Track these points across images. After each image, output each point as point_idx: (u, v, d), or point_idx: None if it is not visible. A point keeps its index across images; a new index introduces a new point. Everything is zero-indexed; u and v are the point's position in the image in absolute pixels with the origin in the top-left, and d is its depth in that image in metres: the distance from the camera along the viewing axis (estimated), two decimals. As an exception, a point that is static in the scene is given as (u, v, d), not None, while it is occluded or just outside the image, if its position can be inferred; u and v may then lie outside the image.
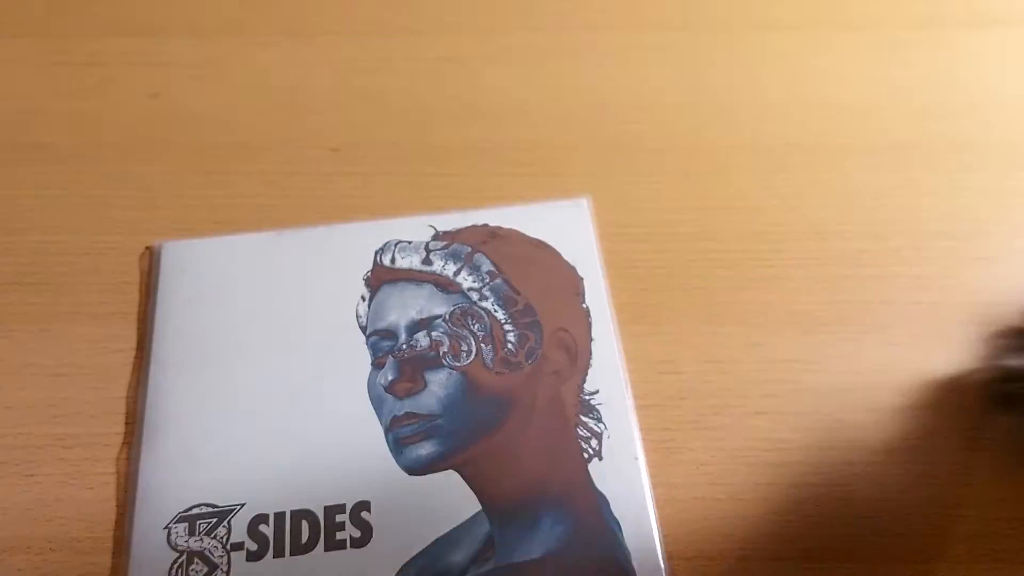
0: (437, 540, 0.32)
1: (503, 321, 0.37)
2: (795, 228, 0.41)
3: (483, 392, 0.35)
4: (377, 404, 0.35)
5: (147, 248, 0.40)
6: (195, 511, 0.33)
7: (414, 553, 0.32)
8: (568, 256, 0.39)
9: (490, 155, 0.43)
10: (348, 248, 0.39)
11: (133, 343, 0.38)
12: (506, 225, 0.40)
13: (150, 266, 0.40)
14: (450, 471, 0.34)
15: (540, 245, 0.39)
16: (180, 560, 0.32)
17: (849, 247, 0.40)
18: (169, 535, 0.33)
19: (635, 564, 0.32)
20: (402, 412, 0.35)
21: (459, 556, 0.32)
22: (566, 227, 0.40)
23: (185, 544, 0.32)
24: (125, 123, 0.45)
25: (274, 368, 0.36)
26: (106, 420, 0.36)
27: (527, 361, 0.36)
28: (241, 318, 0.37)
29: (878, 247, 0.40)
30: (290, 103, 0.45)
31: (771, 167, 0.43)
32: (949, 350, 0.37)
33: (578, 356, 0.36)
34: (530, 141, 0.44)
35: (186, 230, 0.41)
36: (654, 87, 0.46)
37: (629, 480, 0.33)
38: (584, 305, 0.37)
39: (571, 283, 0.38)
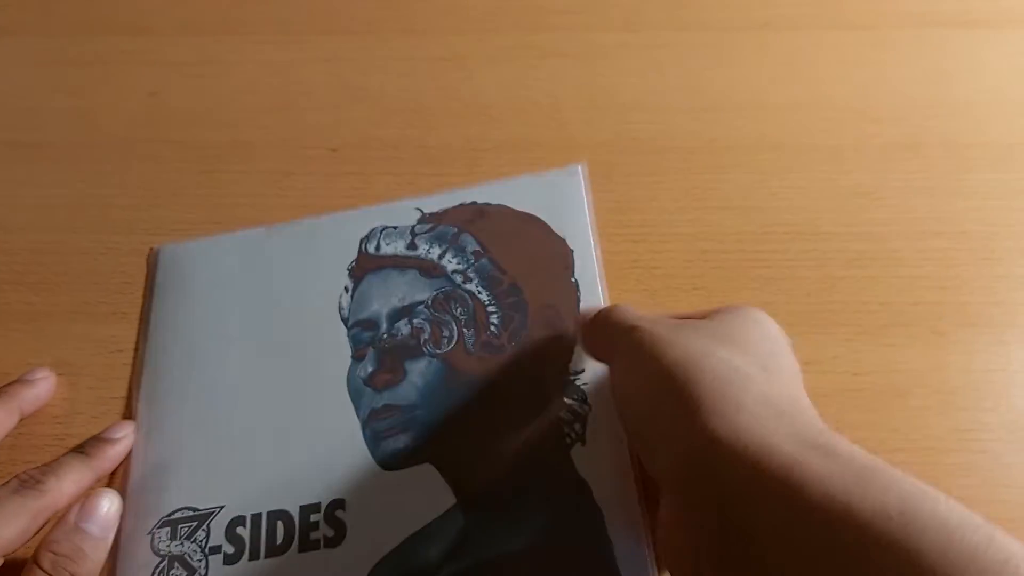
0: (410, 537, 0.31)
1: (487, 303, 0.36)
2: (795, 228, 0.41)
3: (463, 378, 0.34)
4: (356, 398, 0.34)
5: (150, 249, 0.40)
6: (177, 515, 0.33)
7: (387, 551, 0.31)
8: (558, 228, 0.37)
9: (490, 155, 0.43)
10: (335, 239, 0.39)
11: (133, 343, 0.38)
12: (495, 201, 0.39)
13: (148, 270, 0.40)
14: (426, 464, 0.33)
15: (529, 219, 0.38)
16: (162, 565, 0.32)
17: (848, 247, 0.40)
18: (152, 540, 0.32)
19: (617, 554, 0.30)
20: (380, 405, 0.34)
21: (433, 552, 0.31)
22: (558, 198, 0.38)
23: (167, 549, 0.32)
24: (124, 122, 0.45)
25: (259, 367, 0.36)
26: (106, 420, 0.36)
27: (510, 343, 0.35)
28: (229, 318, 0.37)
29: (877, 248, 0.40)
30: (290, 103, 0.45)
31: (771, 167, 0.43)
32: (948, 351, 0.37)
33: (564, 335, 0.35)
34: (530, 141, 0.44)
35: (186, 230, 0.41)
36: (654, 87, 0.46)
37: (614, 464, 0.32)
38: (573, 279, 0.36)
39: (560, 256, 0.37)
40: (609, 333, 0.30)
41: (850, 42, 0.47)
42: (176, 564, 0.32)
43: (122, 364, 0.37)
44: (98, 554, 0.30)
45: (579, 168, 0.39)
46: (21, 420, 0.35)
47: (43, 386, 0.36)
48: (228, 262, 0.39)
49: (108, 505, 0.31)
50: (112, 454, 0.34)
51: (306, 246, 0.39)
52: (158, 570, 0.32)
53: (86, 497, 0.31)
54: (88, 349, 0.38)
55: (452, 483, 0.32)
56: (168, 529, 0.32)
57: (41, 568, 0.29)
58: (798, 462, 0.21)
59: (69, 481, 0.32)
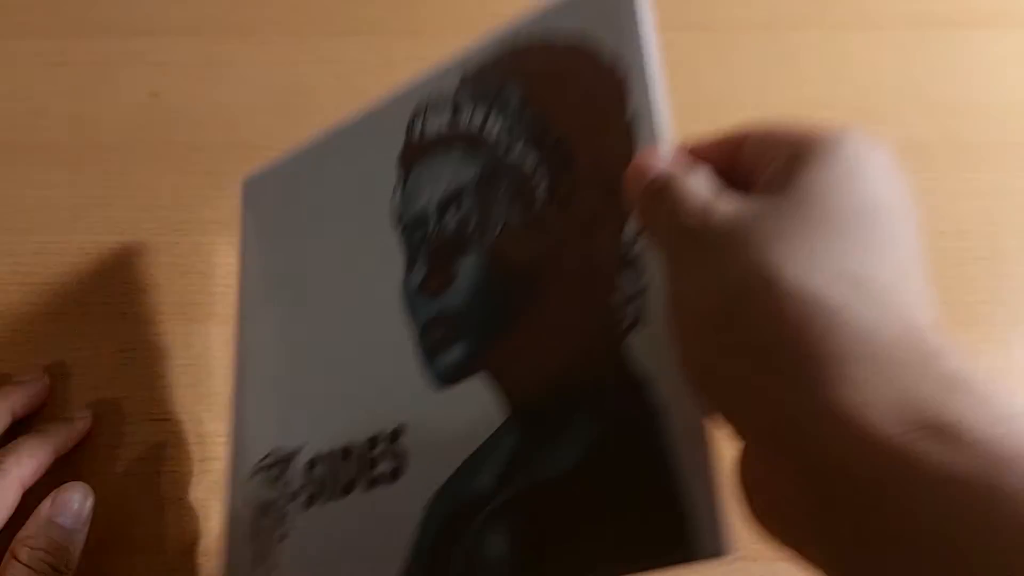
0: (464, 462, 0.27)
1: (532, 170, 0.30)
2: (795, 228, 0.41)
3: (512, 267, 0.29)
4: (411, 310, 0.31)
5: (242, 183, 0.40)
6: (267, 460, 0.32)
7: (444, 480, 0.28)
8: (609, 54, 0.29)
9: (490, 155, 0.43)
10: (385, 130, 0.34)
11: (134, 343, 0.38)
12: (538, 34, 0.31)
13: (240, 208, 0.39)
14: (483, 373, 0.28)
15: (575, 51, 0.30)
16: (255, 515, 0.31)
17: (849, 247, 0.40)
18: (248, 490, 0.32)
19: (676, 462, 0.23)
20: (434, 313, 0.30)
21: (485, 480, 0.27)
22: (607, 12, 0.29)
23: (259, 497, 0.31)
24: (125, 123, 0.45)
25: (329, 294, 0.33)
26: (108, 420, 0.36)
27: (559, 214, 0.28)
28: (305, 244, 0.35)
29: (878, 247, 0.40)
30: (291, 104, 0.45)
31: (771, 167, 0.43)
32: (949, 350, 0.37)
33: (617, 193, 0.27)
34: (530, 141, 0.44)
35: (188, 231, 0.41)
36: (654, 87, 0.46)
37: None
38: (627, 117, 0.28)
39: (611, 92, 0.28)
40: (663, 216, 0.23)
41: (850, 42, 0.47)
42: (266, 512, 0.31)
43: (123, 364, 0.37)
44: (75, 546, 0.31)
45: None
46: (14, 422, 0.34)
47: (34, 387, 0.36)
48: (295, 184, 0.36)
49: (80, 499, 0.32)
50: (69, 432, 0.34)
51: (360, 146, 0.35)
52: (253, 520, 0.31)
53: (56, 492, 0.32)
54: (90, 349, 0.38)
55: (506, 392, 0.28)
56: (262, 475, 0.32)
57: (19, 561, 0.29)
58: (910, 454, 0.17)
59: (28, 458, 0.32)
